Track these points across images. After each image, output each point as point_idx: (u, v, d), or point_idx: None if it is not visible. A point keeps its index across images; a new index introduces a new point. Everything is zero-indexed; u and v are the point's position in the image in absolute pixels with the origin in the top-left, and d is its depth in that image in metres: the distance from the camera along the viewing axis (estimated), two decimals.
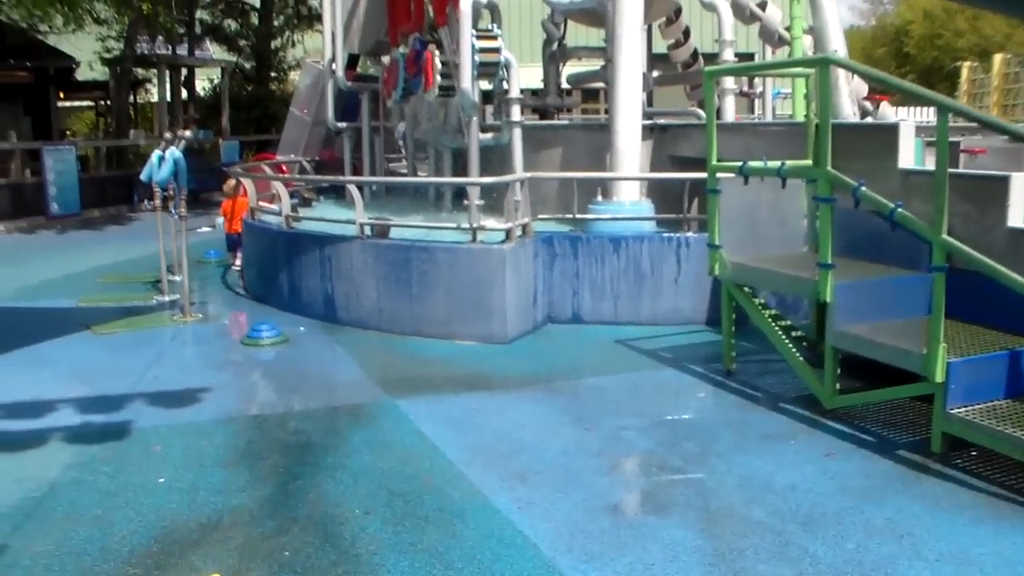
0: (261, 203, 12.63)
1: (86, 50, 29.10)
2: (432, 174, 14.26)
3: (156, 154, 12.07)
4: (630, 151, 10.96)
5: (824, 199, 7.07)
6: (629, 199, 10.90)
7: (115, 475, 6.22)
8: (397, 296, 10.01)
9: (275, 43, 31.70)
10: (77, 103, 38.77)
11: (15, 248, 17.69)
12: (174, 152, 10.92)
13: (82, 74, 30.91)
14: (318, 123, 17.36)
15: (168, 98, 28.37)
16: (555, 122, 14.19)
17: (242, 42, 31.53)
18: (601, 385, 8.12)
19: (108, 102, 29.69)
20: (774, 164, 7.86)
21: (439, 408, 7.49)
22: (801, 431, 6.85)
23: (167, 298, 12.22)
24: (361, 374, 8.56)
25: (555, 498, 5.69)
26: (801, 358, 7.56)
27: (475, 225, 9.69)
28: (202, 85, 31.61)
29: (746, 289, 8.15)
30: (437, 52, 11.70)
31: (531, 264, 10.04)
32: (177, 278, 13.59)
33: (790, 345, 7.68)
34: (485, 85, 12.37)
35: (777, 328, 7.85)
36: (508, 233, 9.73)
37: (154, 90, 33.01)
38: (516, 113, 11.80)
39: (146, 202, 11.91)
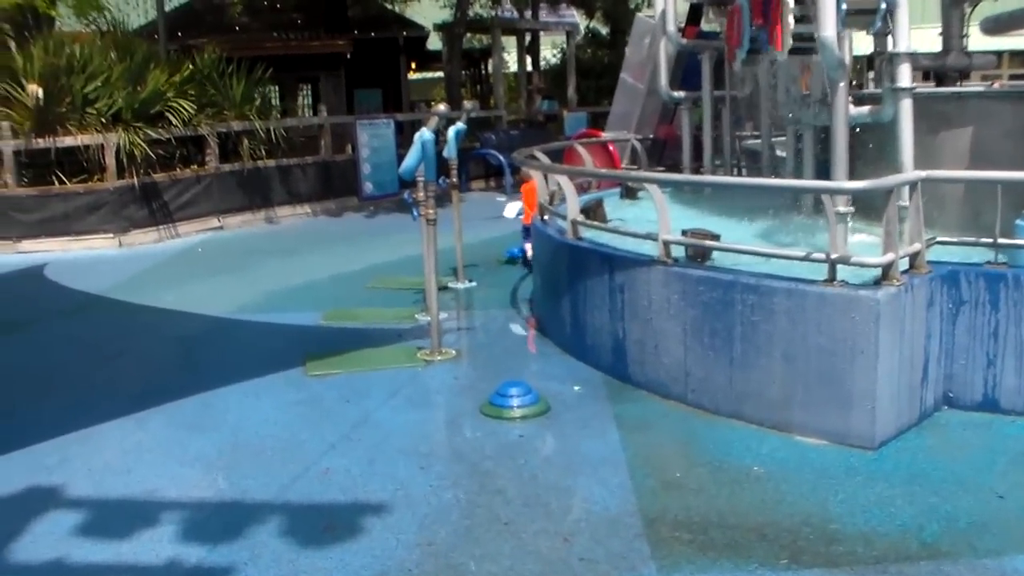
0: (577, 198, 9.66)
1: (431, 20, 27.63)
2: (790, 161, 10.67)
3: (420, 134, 9.42)
4: None
5: None
6: None
7: None
8: (711, 355, 6.68)
9: (632, 2, 28.68)
10: (437, 73, 37.87)
11: (310, 234, 15.90)
12: (423, 134, 8.15)
13: (434, 43, 29.56)
14: (654, 92, 14.09)
15: (513, 67, 26.22)
16: (963, 89, 10.03)
17: (597, 3, 28.73)
18: None
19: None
20: None
21: None
22: None
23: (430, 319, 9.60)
24: (628, 499, 5.33)
25: None
26: None
27: (834, 256, 6.14)
28: (552, 52, 29.24)
29: None
30: None
31: (923, 318, 6.35)
32: (460, 285, 11.10)
33: None
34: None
35: None
36: (887, 270, 6.12)
37: (508, 59, 31.16)
38: (905, 76, 7.93)
39: (406, 194, 9.14)
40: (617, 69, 28.08)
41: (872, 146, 9.02)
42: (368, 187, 18.57)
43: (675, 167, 14.29)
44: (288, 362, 8.05)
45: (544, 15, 26.44)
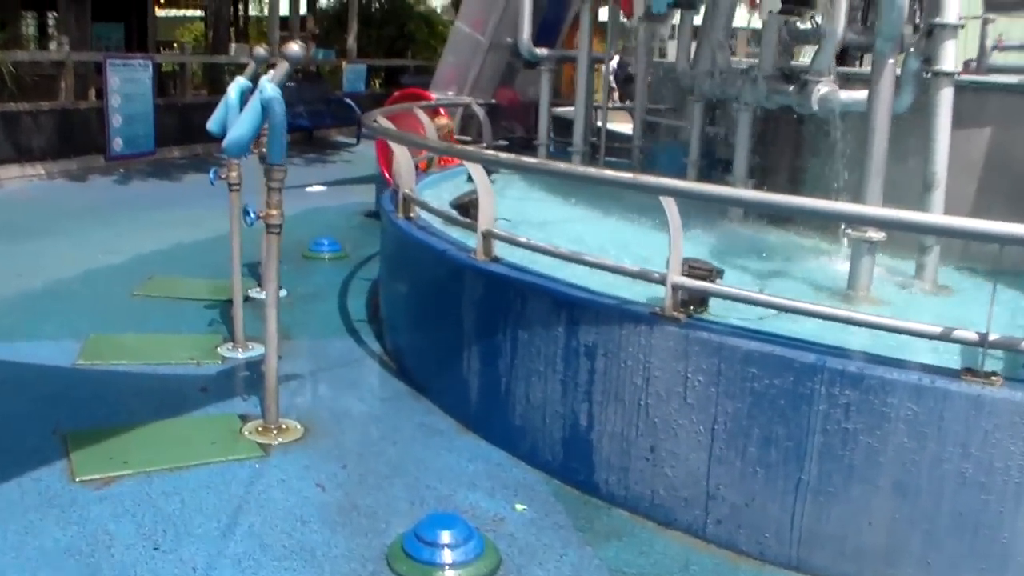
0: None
1: None
2: (696, 146, 8.44)
3: (236, 85, 6.46)
4: None
5: None
6: None
7: None
8: (760, 473, 4.23)
9: None
10: (186, 11, 33.49)
11: (47, 206, 12.14)
12: (264, 90, 5.20)
13: None
14: (497, 47, 11.49)
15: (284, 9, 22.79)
16: (984, 79, 7.87)
17: None
18: None
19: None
20: None
21: None
22: None
23: (242, 355, 6.69)
24: None
25: None
26: None
27: (993, 337, 3.80)
28: None
29: None
30: None
31: None
32: (261, 294, 8.14)
33: None
34: None
35: None
36: None
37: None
38: (949, 55, 5.75)
39: (212, 172, 6.14)
40: (398, 18, 25.30)
41: (829, 142, 6.92)
42: (118, 143, 14.91)
43: (516, 141, 11.82)
44: (40, 450, 4.98)
45: None
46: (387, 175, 11.32)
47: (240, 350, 6.75)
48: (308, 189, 13.95)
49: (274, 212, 5.27)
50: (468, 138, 11.48)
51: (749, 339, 4.22)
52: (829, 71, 6.52)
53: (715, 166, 8.75)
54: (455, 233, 6.28)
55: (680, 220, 4.45)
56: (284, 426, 5.42)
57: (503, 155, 5.86)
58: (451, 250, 5.84)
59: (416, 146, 7.23)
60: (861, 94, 6.23)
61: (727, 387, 4.25)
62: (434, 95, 11.49)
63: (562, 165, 4.95)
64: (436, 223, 6.63)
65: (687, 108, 9.91)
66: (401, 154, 6.90)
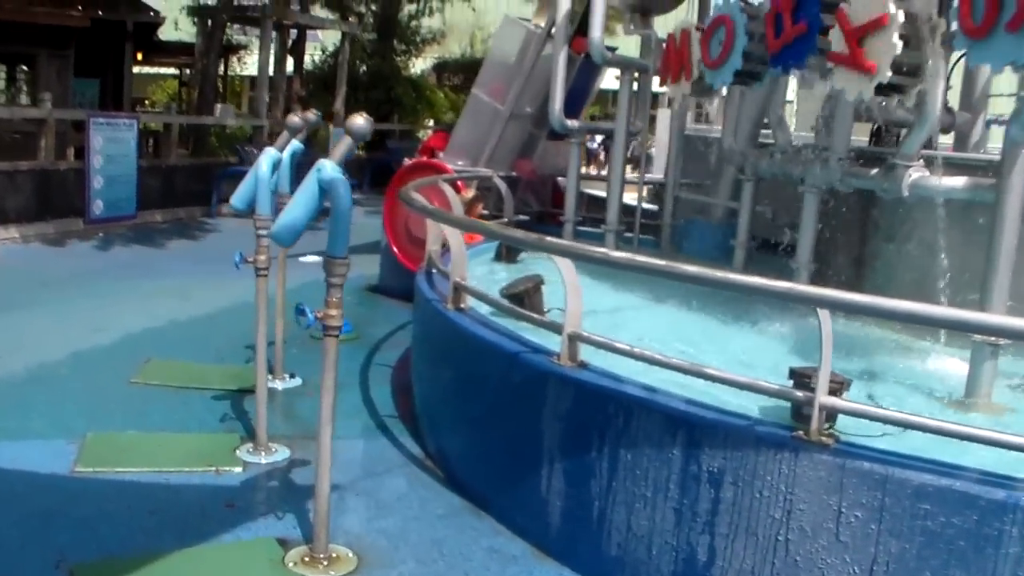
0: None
1: (173, 5, 23.22)
2: (745, 226, 7.95)
3: (267, 157, 5.88)
4: None
5: None
6: None
7: None
8: None
9: (406, 10, 25.31)
10: (160, 69, 32.84)
11: (24, 274, 11.18)
12: (323, 169, 4.53)
13: (166, 33, 25.01)
14: (519, 117, 10.93)
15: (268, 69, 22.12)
16: None
17: (361, 8, 25.10)
18: None
19: (191, 69, 23.55)
20: None
21: None
22: None
23: (265, 460, 5.94)
24: None
25: None
26: None
27: None
28: (310, 56, 25.32)
29: None
30: None
31: None
32: (279, 384, 7.48)
33: None
34: None
35: None
36: None
37: (249, 60, 26.92)
38: None
39: (238, 256, 5.42)
40: (386, 81, 24.74)
41: (907, 229, 6.44)
42: (98, 206, 14.13)
43: (534, 215, 11.29)
44: None
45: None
46: (396, 250, 10.68)
47: (263, 453, 6.00)
48: (302, 259, 13.18)
49: (334, 312, 4.58)
50: (485, 212, 10.93)
51: (921, 471, 3.57)
52: (919, 155, 6.00)
53: (760, 248, 8.25)
54: (507, 323, 5.66)
55: (832, 331, 3.81)
56: (334, 555, 4.68)
57: (619, 254, 5.16)
58: (525, 352, 5.14)
59: (485, 234, 6.56)
60: (960, 180, 5.73)
61: (892, 524, 3.61)
62: (449, 165, 10.90)
63: (692, 268, 4.24)
64: (487, 312, 5.98)
65: (719, 183, 9.43)
66: (453, 238, 6.23)
